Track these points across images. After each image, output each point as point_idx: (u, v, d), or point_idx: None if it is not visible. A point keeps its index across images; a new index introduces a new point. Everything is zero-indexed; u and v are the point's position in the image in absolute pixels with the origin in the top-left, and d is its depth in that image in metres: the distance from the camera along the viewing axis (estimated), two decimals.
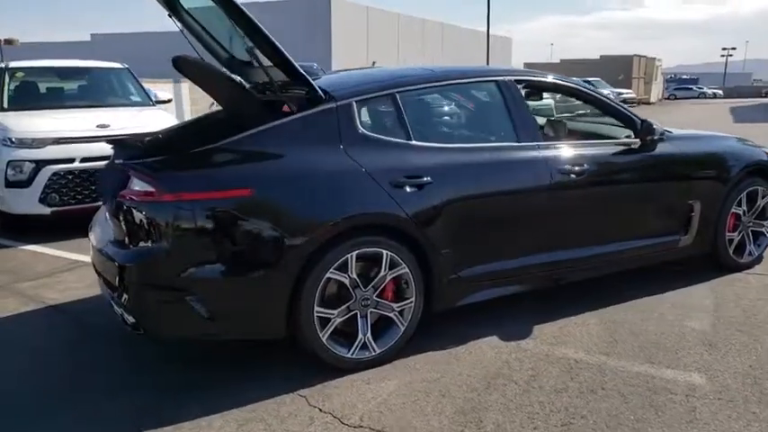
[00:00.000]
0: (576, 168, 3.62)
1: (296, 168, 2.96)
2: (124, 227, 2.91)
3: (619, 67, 38.66)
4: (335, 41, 35.24)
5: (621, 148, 3.93)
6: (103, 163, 5.71)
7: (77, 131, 5.83)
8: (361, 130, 3.18)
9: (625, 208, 3.91)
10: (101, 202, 5.69)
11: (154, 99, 7.29)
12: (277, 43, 3.02)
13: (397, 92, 3.35)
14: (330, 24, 35.20)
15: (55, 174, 5.67)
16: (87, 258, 5.18)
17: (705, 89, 58.76)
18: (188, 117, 6.64)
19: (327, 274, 2.98)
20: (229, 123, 3.88)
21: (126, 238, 2.92)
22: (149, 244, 2.80)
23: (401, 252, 3.16)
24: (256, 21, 2.96)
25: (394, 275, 3.18)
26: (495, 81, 3.64)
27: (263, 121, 3.09)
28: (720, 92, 58.87)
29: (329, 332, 3.06)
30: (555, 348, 3.38)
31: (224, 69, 3.31)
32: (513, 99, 3.62)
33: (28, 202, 5.68)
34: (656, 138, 3.94)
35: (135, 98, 7.18)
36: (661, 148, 4.00)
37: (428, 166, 3.23)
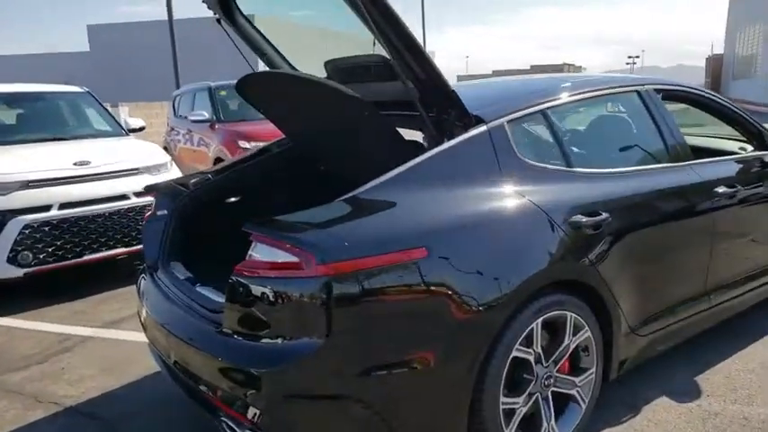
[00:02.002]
0: (730, 190, 3.07)
1: (468, 215, 2.22)
2: (244, 313, 2.06)
3: None
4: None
5: (756, 162, 3.41)
6: (87, 209, 4.79)
7: (51, 171, 4.75)
8: (521, 157, 2.47)
9: None
10: (86, 257, 4.72)
11: (125, 127, 6.23)
12: (425, 51, 2.28)
13: (548, 107, 2.67)
14: None
15: (27, 226, 4.56)
16: (82, 330, 4.18)
17: None
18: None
19: (513, 352, 2.25)
20: (325, 159, 3.11)
21: (247, 329, 2.06)
22: (294, 337, 1.97)
23: (583, 312, 2.48)
24: (402, 20, 2.20)
25: (576, 343, 2.49)
26: (637, 91, 3.03)
27: (400, 155, 2.32)
28: None
29: (515, 427, 2.33)
30: (746, 408, 2.79)
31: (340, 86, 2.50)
32: (658, 111, 3.03)
33: None
34: None
35: (104, 127, 6.10)
36: None
37: (601, 198, 2.57)
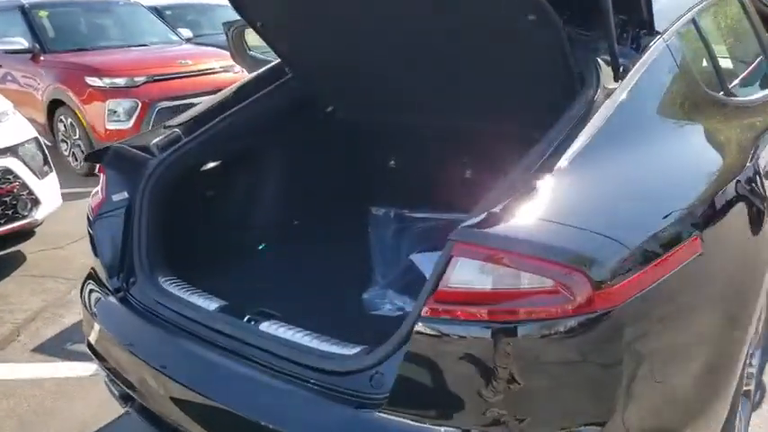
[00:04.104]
0: None
1: (706, 177, 1.49)
2: (446, 383, 1.15)
3: None
4: None
5: None
6: None
7: None
8: (702, 86, 1.78)
9: None
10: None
11: None
12: None
13: (696, 13, 1.96)
14: None
15: None
16: None
17: None
18: None
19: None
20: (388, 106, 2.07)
21: (450, 412, 1.16)
22: (553, 422, 1.12)
23: None
24: None
25: None
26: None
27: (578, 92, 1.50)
28: None
29: None
30: None
31: None
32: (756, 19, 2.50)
33: None
34: None
35: None
36: None
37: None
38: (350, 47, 2.02)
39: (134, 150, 1.89)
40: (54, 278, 3.61)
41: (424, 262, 1.97)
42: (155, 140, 1.93)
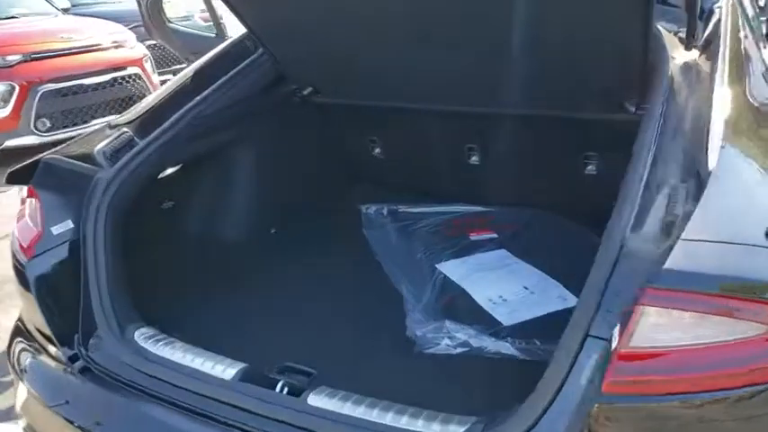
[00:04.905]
0: None
1: None
2: None
3: None
4: None
5: None
6: None
7: None
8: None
9: None
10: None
11: None
12: None
13: None
14: None
15: None
16: None
17: None
18: None
19: None
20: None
21: None
22: None
23: None
24: None
25: None
26: None
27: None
28: None
29: None
30: None
31: None
32: None
33: None
34: None
35: None
36: None
37: None
38: (337, 14, 1.60)
39: (74, 162, 1.39)
40: None
41: (456, 272, 1.65)
42: (99, 146, 1.44)
